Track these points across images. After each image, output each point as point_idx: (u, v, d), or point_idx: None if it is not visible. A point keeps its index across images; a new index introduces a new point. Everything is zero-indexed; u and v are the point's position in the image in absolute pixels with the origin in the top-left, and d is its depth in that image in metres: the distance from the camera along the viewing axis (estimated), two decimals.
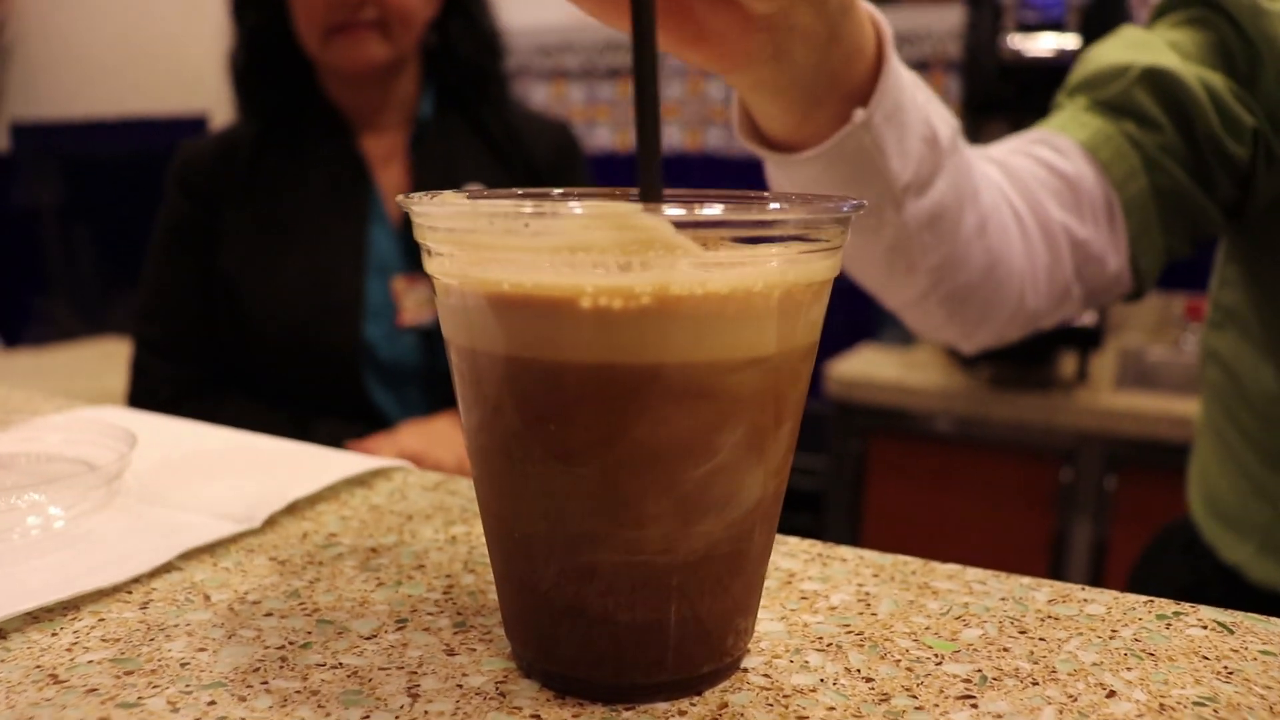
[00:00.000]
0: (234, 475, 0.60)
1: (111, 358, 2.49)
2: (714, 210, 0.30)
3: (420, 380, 1.26)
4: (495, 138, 1.32)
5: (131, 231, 3.56)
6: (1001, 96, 2.11)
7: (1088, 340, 2.05)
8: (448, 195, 0.36)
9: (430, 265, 0.35)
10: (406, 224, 1.25)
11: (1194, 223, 0.73)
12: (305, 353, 1.22)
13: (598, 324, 0.31)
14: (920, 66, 2.70)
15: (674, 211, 0.30)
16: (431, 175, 1.27)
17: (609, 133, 3.11)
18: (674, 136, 3.01)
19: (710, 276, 0.31)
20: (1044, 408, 2.04)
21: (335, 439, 1.13)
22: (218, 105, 3.42)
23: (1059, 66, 2.02)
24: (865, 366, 2.22)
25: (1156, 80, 0.70)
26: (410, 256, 1.24)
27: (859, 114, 0.56)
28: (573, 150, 1.39)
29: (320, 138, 1.28)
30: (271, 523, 0.54)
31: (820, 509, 2.29)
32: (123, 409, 0.77)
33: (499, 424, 0.34)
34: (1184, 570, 0.91)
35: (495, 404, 0.34)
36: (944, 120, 0.63)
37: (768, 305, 0.32)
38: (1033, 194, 0.71)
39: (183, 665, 0.39)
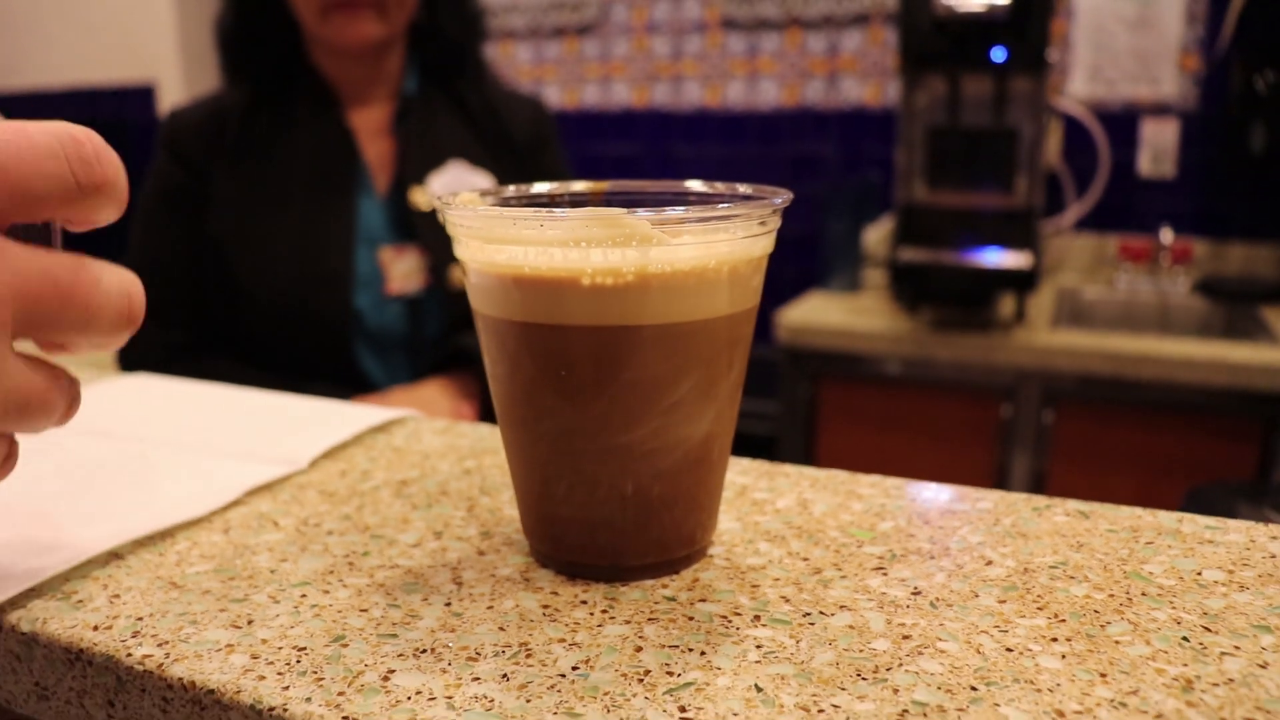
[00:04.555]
0: (273, 429, 0.71)
1: None
2: (678, 211, 0.41)
3: (405, 348, 1.33)
4: (475, 114, 1.38)
5: None
6: (936, 50, 2.20)
7: (1024, 282, 2.16)
8: (469, 196, 0.46)
9: (461, 251, 0.46)
10: (393, 196, 1.32)
11: None
12: (296, 320, 1.26)
13: (594, 296, 0.42)
14: (860, 20, 2.81)
15: (649, 214, 0.40)
16: (416, 150, 1.32)
17: (557, 91, 3.19)
18: (621, 93, 3.10)
19: (677, 258, 0.42)
20: (984, 348, 2.15)
21: None
22: (164, 75, 3.45)
23: (991, 21, 2.13)
24: (813, 313, 2.33)
25: None
26: (397, 227, 1.31)
27: None
28: (548, 125, 1.46)
29: (309, 109, 1.32)
30: (313, 465, 0.64)
31: (774, 452, 2.41)
32: (153, 377, 0.86)
33: (519, 373, 0.45)
34: None
35: (515, 358, 0.45)
36: None
37: (720, 277, 0.43)
38: None
39: (272, 571, 0.49)
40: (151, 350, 1.30)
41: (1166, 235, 2.50)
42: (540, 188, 0.52)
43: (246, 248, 1.28)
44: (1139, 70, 2.61)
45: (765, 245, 0.45)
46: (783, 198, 0.45)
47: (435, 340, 1.33)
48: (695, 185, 0.50)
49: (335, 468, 0.64)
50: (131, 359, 1.31)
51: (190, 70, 3.42)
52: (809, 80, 2.89)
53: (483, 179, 1.34)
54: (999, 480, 2.22)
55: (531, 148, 1.41)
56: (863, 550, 0.50)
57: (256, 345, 1.31)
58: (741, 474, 0.61)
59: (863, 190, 2.62)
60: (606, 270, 0.41)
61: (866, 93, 2.85)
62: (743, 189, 0.49)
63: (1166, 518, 0.54)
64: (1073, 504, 0.56)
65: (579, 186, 0.52)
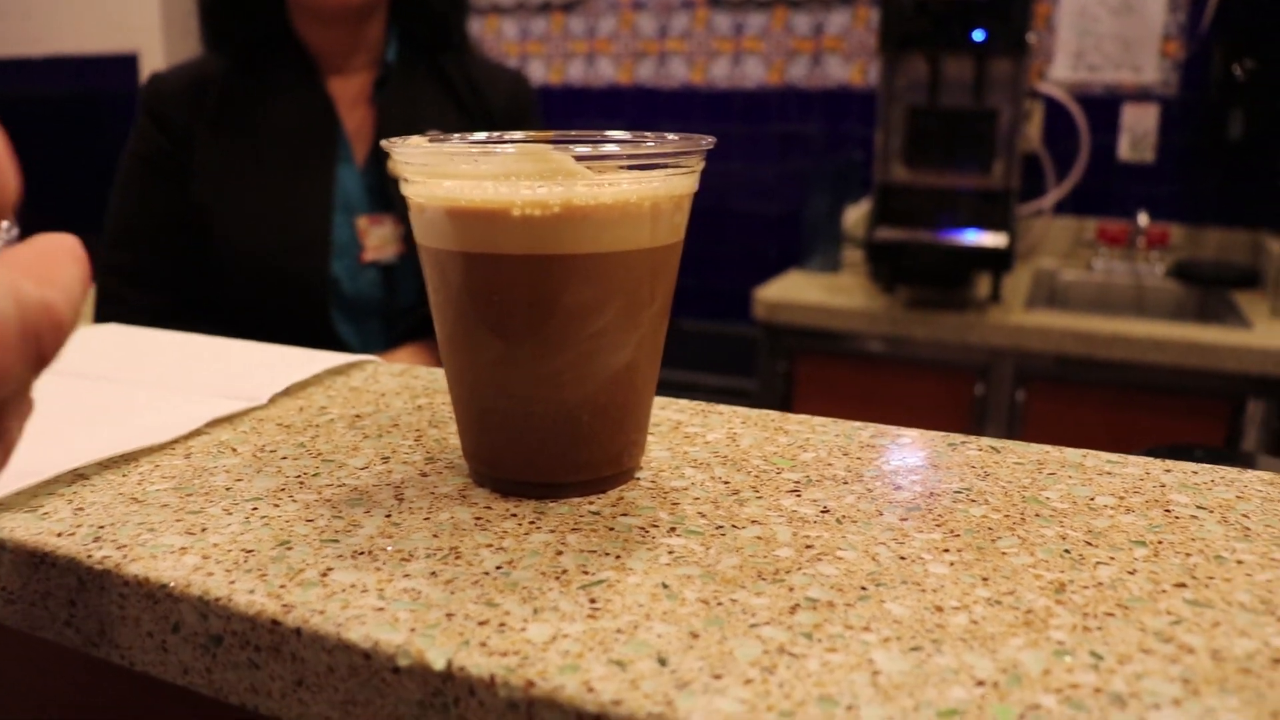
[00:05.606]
0: (236, 369, 0.74)
1: None
2: (605, 148, 0.44)
3: (380, 314, 1.35)
4: (455, 86, 1.40)
5: (60, 172, 3.58)
6: (918, 30, 2.23)
7: (999, 262, 2.19)
8: (415, 140, 0.50)
9: (406, 189, 0.49)
10: (371, 165, 1.34)
11: None
12: (275, 285, 1.29)
13: (524, 226, 0.45)
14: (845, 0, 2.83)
15: (576, 149, 0.43)
16: (395, 120, 1.34)
17: (542, 68, 3.21)
18: (607, 71, 3.12)
19: (601, 192, 0.45)
20: (959, 327, 2.18)
21: None
22: (147, 45, 3.46)
23: (973, 3, 2.16)
24: (791, 290, 2.37)
25: None
26: (374, 196, 1.33)
27: None
28: (527, 98, 1.47)
29: (289, 77, 1.33)
30: (273, 401, 0.68)
31: None
32: (123, 326, 0.89)
33: (458, 302, 0.48)
34: None
35: (453, 287, 0.48)
36: None
37: (641, 212, 0.46)
38: None
39: (227, 489, 0.53)
40: (131, 314, 1.30)
41: (1144, 219, 2.54)
42: (481, 135, 0.55)
43: (225, 213, 1.30)
44: (1121, 55, 2.64)
45: (687, 185, 0.49)
46: (707, 141, 0.48)
47: (409, 308, 1.36)
48: (623, 135, 0.53)
49: (294, 404, 0.67)
50: (108, 321, 1.32)
51: (172, 40, 3.44)
52: (794, 59, 2.92)
53: None
54: None
55: (510, 120, 1.43)
56: (781, 476, 0.54)
57: (234, 310, 1.33)
58: (678, 412, 0.64)
59: (844, 170, 2.65)
60: (535, 203, 0.44)
61: (851, 73, 2.87)
62: (669, 136, 0.52)
63: (1072, 453, 0.57)
64: (986, 441, 0.59)
65: (520, 135, 0.55)
